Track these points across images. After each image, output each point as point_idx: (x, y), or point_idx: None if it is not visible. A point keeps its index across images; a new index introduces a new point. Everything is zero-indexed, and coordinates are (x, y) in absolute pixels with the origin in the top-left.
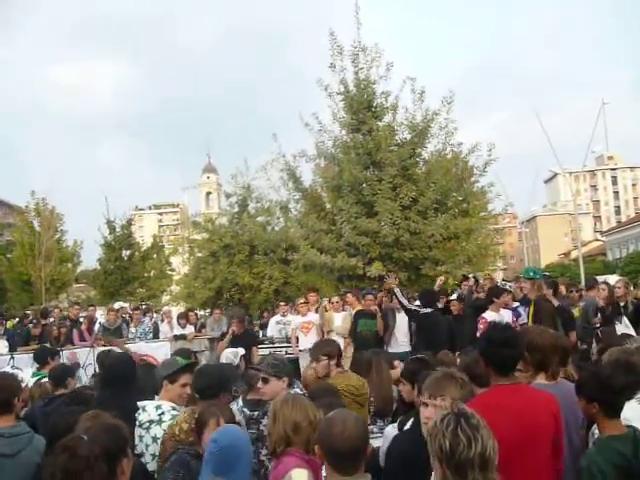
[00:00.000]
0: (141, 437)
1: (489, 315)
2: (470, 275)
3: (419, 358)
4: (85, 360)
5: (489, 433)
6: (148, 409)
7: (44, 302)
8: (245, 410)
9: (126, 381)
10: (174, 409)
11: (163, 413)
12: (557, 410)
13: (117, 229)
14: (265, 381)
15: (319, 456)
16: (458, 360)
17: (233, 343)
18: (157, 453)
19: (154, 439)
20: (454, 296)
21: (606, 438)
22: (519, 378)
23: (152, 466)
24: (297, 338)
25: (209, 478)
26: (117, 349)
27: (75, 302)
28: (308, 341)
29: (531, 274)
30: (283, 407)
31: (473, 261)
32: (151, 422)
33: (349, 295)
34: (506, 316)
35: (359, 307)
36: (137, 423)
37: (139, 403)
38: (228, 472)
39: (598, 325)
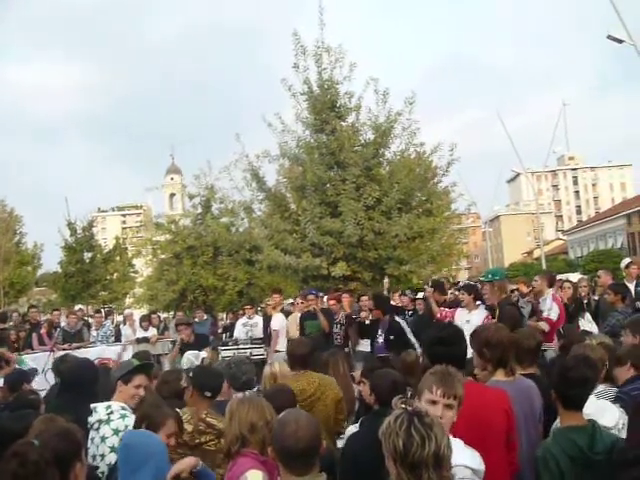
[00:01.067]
0: (92, 439)
1: (458, 312)
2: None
3: (380, 357)
4: (45, 365)
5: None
6: (99, 410)
7: (3, 306)
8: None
9: (84, 386)
10: (124, 409)
11: (112, 412)
12: (508, 406)
13: (78, 231)
14: None
15: (272, 457)
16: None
17: (185, 350)
18: (104, 453)
19: (102, 439)
20: (420, 295)
21: (563, 429)
22: (479, 376)
23: (102, 467)
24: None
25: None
26: (75, 353)
27: (31, 305)
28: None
29: (490, 276)
30: (239, 407)
31: (437, 260)
32: (100, 422)
33: (345, 295)
34: (478, 315)
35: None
36: (88, 425)
37: (92, 405)
38: (133, 472)
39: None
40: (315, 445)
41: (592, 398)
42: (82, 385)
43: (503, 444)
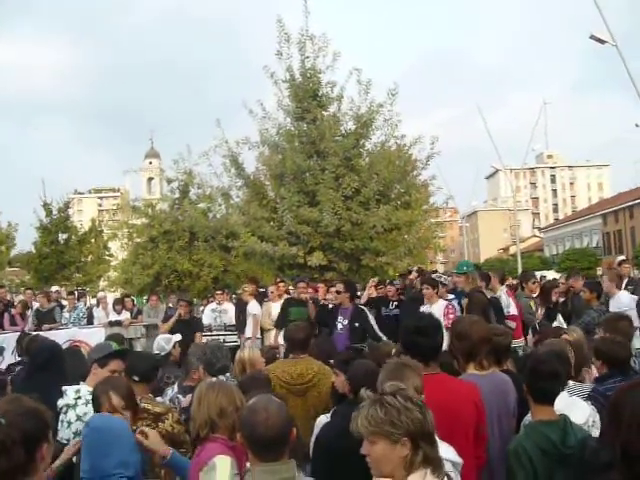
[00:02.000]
0: (62, 422)
1: (422, 309)
2: (413, 268)
3: (352, 348)
4: (15, 346)
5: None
6: (68, 393)
7: None
8: (179, 396)
9: (52, 367)
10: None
11: (79, 397)
12: (478, 399)
13: (54, 212)
14: None
15: (241, 443)
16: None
17: (178, 326)
18: (69, 438)
19: (68, 424)
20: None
21: (535, 423)
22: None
23: None
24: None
25: (85, 463)
26: (47, 334)
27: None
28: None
29: (464, 269)
30: (208, 392)
31: (414, 253)
32: (68, 406)
33: (340, 285)
34: (437, 309)
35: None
36: (58, 408)
37: (63, 388)
38: (102, 457)
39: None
40: (285, 433)
41: (564, 394)
42: (50, 366)
43: (471, 437)
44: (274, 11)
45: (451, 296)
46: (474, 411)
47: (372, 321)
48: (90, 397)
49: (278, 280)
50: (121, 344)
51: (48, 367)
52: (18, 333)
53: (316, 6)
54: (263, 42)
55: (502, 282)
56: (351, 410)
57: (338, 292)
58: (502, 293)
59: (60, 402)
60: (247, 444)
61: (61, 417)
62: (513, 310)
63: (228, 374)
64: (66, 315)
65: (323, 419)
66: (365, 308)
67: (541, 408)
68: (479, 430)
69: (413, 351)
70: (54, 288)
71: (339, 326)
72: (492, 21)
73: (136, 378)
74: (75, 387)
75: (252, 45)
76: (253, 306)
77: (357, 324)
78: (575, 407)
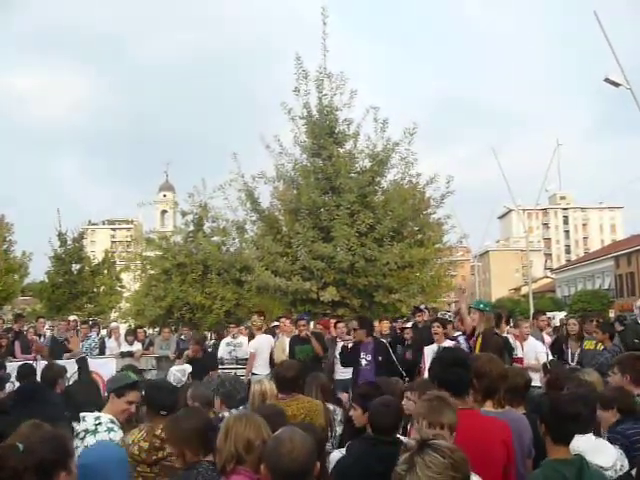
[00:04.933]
0: (77, 448)
1: (428, 348)
2: (422, 306)
3: (370, 383)
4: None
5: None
6: (88, 419)
7: None
8: None
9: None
10: (112, 422)
11: (100, 424)
12: (509, 438)
13: (68, 242)
14: None
15: (265, 475)
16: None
17: (192, 364)
18: None
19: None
20: (409, 324)
21: (551, 461)
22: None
23: None
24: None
25: None
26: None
27: (19, 314)
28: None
29: (481, 306)
30: (236, 424)
31: (426, 291)
32: (86, 432)
33: (354, 323)
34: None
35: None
36: (74, 433)
37: (81, 414)
38: None
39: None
40: (309, 466)
41: (589, 436)
42: (41, 392)
43: (500, 476)
44: (292, 50)
45: (458, 333)
46: (504, 449)
47: (391, 352)
48: (112, 425)
49: (280, 315)
50: (138, 374)
51: (40, 394)
52: (30, 362)
53: (335, 44)
54: (281, 78)
55: (507, 322)
56: (368, 446)
57: (354, 329)
58: (509, 335)
59: (79, 427)
60: (271, 475)
61: (76, 443)
62: (519, 352)
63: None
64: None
65: (337, 455)
66: (385, 341)
67: (556, 447)
68: (507, 470)
69: (449, 382)
70: (72, 317)
71: (363, 362)
72: (508, 63)
73: (164, 413)
74: (95, 414)
75: (270, 80)
76: (252, 342)
77: (380, 358)
78: (602, 450)
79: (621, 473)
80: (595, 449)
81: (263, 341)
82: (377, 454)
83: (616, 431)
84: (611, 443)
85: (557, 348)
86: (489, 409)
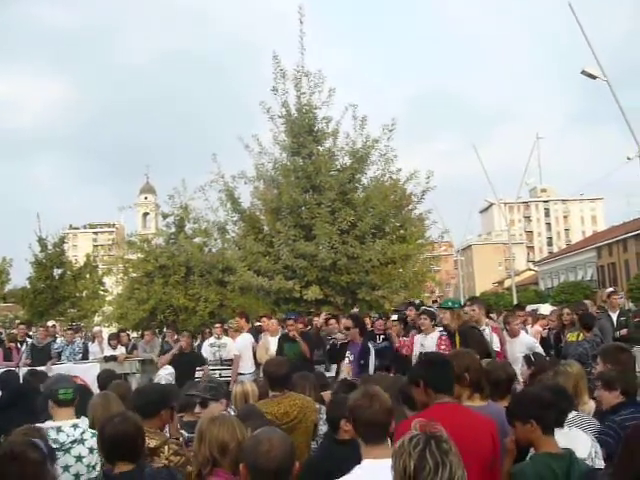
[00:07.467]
0: (70, 460)
1: (417, 337)
2: (417, 301)
3: (347, 381)
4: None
5: (459, 461)
6: (65, 429)
7: None
8: (183, 432)
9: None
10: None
11: (84, 432)
12: (495, 431)
13: (49, 247)
14: (203, 405)
15: (243, 475)
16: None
17: (179, 360)
18: (81, 472)
19: (78, 458)
20: (394, 317)
21: (542, 454)
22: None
23: None
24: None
25: None
26: (43, 369)
27: None
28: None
29: (449, 304)
30: (210, 426)
31: (409, 287)
32: (74, 442)
33: (347, 322)
34: (432, 338)
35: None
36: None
37: (50, 423)
38: None
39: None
40: (288, 465)
41: (565, 429)
42: (25, 399)
43: (488, 469)
44: (269, 49)
45: (440, 328)
46: (491, 443)
47: (372, 361)
48: (94, 430)
49: (261, 315)
50: (113, 379)
51: (25, 402)
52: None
53: (312, 43)
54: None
55: (487, 315)
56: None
57: (347, 328)
58: (487, 328)
59: (62, 438)
60: (250, 475)
61: (58, 454)
62: (497, 347)
63: (230, 408)
64: (55, 345)
65: None
66: (371, 347)
67: (547, 439)
68: (494, 463)
69: (436, 380)
70: (50, 323)
71: (346, 360)
72: (487, 58)
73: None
74: (68, 422)
75: (249, 81)
76: (235, 344)
77: (362, 362)
78: (577, 441)
79: (597, 459)
80: (571, 442)
81: (245, 341)
82: (335, 453)
83: (615, 420)
84: (604, 434)
85: (553, 341)
86: (473, 403)
